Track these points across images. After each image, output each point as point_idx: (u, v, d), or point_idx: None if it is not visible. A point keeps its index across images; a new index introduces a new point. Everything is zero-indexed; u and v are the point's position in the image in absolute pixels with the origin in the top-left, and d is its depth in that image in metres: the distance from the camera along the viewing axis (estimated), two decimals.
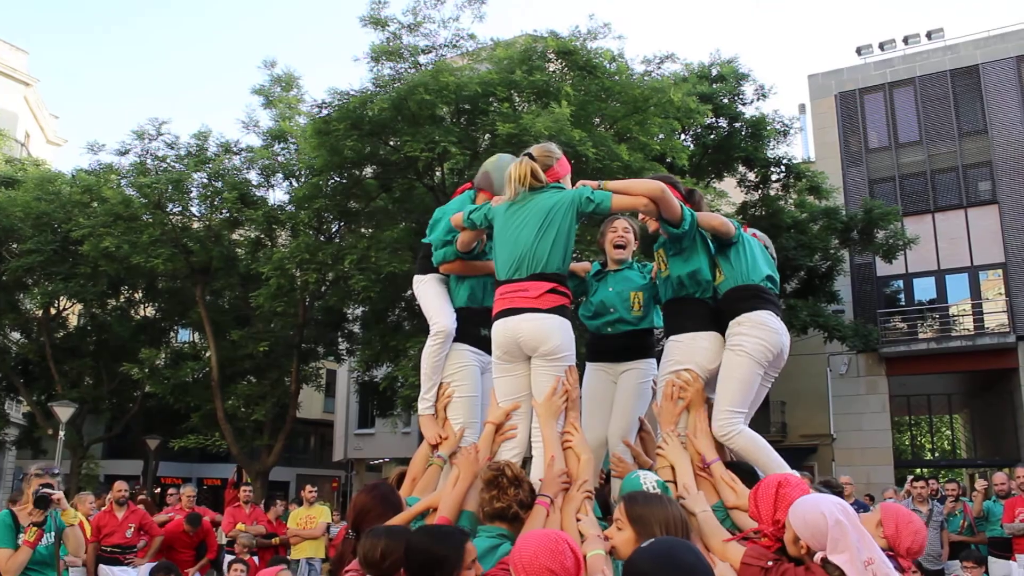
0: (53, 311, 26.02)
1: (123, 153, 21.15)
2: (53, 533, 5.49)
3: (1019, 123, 24.59)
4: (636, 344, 4.38)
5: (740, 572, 2.86)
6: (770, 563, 2.79)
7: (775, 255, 4.41)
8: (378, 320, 20.57)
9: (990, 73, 25.14)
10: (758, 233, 4.35)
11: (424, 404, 4.31)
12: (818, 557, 2.73)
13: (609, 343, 4.44)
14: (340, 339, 25.11)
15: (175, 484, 19.10)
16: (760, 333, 3.82)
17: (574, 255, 3.96)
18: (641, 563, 2.35)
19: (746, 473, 3.69)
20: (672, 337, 4.07)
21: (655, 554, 2.33)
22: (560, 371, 3.71)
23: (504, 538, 3.18)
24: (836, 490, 5.21)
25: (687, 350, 3.96)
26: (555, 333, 3.68)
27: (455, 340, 4.32)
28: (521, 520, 3.28)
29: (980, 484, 11.28)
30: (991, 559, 9.79)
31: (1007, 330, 23.35)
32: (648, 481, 3.29)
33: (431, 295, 4.57)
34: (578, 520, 3.25)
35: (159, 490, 25.62)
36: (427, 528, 2.93)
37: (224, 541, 11.79)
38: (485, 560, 3.05)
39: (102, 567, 9.85)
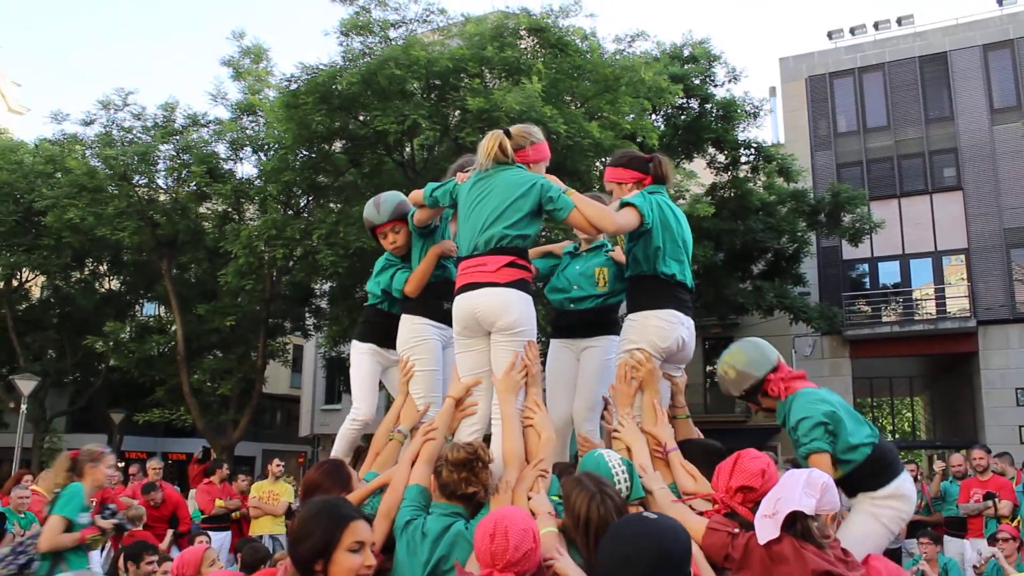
0: (15, 283, 25.69)
1: (88, 123, 20.87)
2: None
3: (984, 111, 24.88)
4: (598, 320, 4.35)
5: (706, 537, 2.89)
6: (736, 530, 2.83)
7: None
8: (346, 296, 20.49)
9: (958, 60, 25.38)
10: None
11: None
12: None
13: (571, 318, 4.42)
14: (307, 314, 25.00)
15: (140, 459, 18.95)
16: (901, 504, 3.65)
17: (543, 235, 3.94)
18: (615, 539, 2.39)
19: (709, 453, 3.70)
20: (628, 316, 4.03)
21: (627, 535, 2.36)
22: (519, 346, 3.66)
23: (458, 516, 3.16)
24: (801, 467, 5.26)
25: (640, 329, 3.91)
26: (512, 307, 3.64)
27: (416, 313, 4.33)
28: (479, 503, 3.26)
29: (938, 465, 11.49)
30: (947, 538, 9.98)
31: (968, 315, 23.72)
32: (613, 461, 3.26)
33: (362, 374, 4.67)
34: (529, 499, 3.23)
35: (123, 464, 25.46)
36: (314, 502, 2.72)
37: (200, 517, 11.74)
38: (439, 543, 3.04)
39: None
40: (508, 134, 3.85)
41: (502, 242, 3.67)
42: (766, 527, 2.72)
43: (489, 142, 3.80)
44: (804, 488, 2.74)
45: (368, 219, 4.54)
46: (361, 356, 4.69)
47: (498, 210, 3.69)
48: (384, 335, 4.60)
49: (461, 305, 3.73)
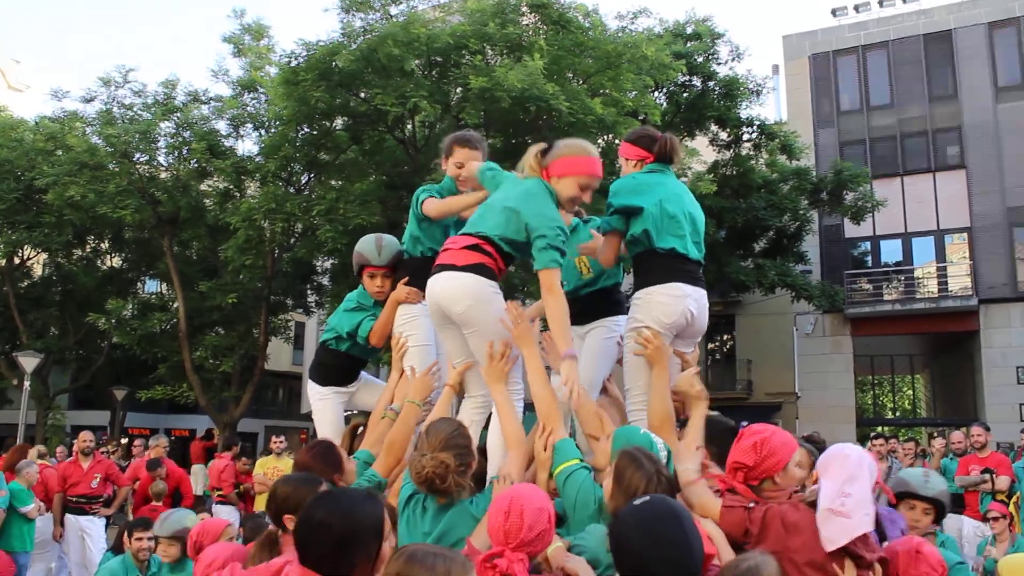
0: (17, 260, 25.70)
1: (88, 101, 20.78)
2: None
3: (989, 89, 24.75)
4: (598, 303, 4.30)
5: (723, 516, 2.85)
6: (752, 504, 2.83)
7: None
8: (347, 273, 20.44)
9: (962, 39, 25.21)
10: None
11: None
12: (810, 481, 2.77)
13: (573, 306, 4.39)
14: (309, 291, 25.01)
15: (143, 435, 19.06)
16: None
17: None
18: (626, 531, 2.34)
19: (722, 431, 3.63)
20: (634, 295, 3.93)
21: (641, 527, 2.32)
22: (486, 338, 3.53)
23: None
24: (818, 445, 5.21)
25: (645, 307, 3.81)
26: (465, 294, 3.49)
27: None
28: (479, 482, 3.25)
29: (938, 443, 11.53)
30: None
31: (970, 293, 23.72)
32: (660, 444, 3.15)
33: (328, 420, 4.56)
34: None
35: (126, 440, 25.60)
36: (327, 496, 2.46)
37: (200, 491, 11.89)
38: (441, 517, 3.06)
39: (68, 517, 9.88)
40: (547, 150, 3.72)
41: (476, 227, 3.60)
42: (834, 530, 2.65)
43: (527, 151, 3.75)
44: (863, 475, 2.72)
45: (365, 255, 4.45)
46: (324, 402, 4.61)
47: (498, 226, 3.58)
48: (344, 374, 4.62)
49: (428, 291, 3.66)
